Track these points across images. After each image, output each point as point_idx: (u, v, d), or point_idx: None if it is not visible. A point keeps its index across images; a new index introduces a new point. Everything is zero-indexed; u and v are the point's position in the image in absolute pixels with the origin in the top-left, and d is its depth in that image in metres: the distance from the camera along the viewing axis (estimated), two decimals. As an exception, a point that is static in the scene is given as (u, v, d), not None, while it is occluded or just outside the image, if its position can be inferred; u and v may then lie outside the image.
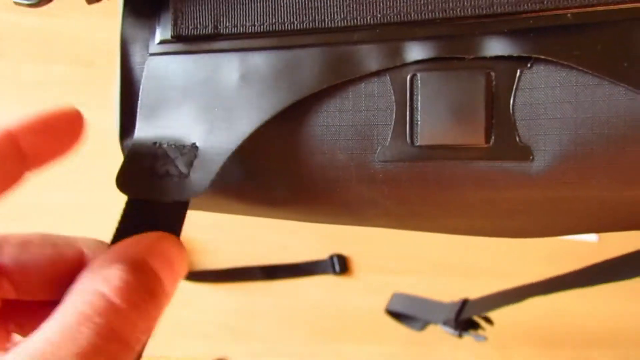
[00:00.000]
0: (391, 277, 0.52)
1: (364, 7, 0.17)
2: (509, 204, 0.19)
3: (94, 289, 0.13)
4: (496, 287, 0.53)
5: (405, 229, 0.22)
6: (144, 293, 0.14)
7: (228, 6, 0.18)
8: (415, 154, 0.18)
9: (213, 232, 0.51)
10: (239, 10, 0.18)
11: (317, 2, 0.18)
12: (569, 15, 0.16)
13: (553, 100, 0.17)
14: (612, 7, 0.16)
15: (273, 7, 0.18)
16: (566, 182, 0.17)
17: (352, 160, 0.18)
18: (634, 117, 0.16)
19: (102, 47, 0.56)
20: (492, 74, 0.17)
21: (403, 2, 0.17)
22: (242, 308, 0.48)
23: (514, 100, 0.17)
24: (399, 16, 0.17)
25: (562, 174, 0.17)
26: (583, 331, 0.52)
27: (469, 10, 0.17)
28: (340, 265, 0.51)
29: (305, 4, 0.18)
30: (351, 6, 0.17)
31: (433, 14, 0.17)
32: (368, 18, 0.17)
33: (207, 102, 0.19)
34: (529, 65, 0.17)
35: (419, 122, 0.18)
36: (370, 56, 0.18)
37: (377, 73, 0.18)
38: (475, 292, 0.52)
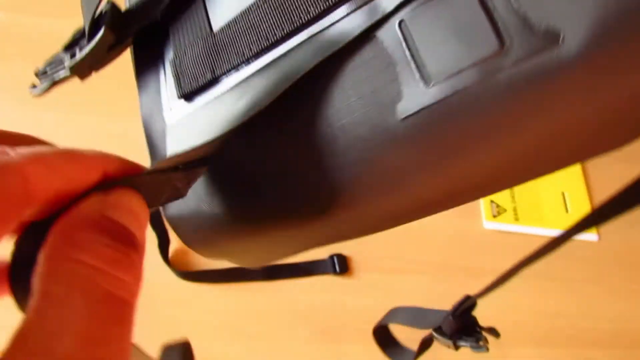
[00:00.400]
0: (391, 277, 0.52)
1: None
2: (557, 113, 0.16)
3: (74, 259, 0.13)
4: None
5: (464, 197, 0.20)
6: (122, 249, 0.14)
7: (217, 51, 0.20)
8: (435, 94, 0.16)
9: (213, 232, 0.51)
10: (227, 50, 0.20)
11: (290, 4, 0.18)
12: None
13: None
14: None
15: (255, 32, 0.19)
16: (613, 57, 0.14)
17: (374, 131, 0.17)
18: None
19: (102, 47, 0.56)
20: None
21: None
22: (242, 308, 0.48)
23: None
24: None
25: (604, 47, 0.14)
26: (583, 331, 0.52)
27: None
28: (340, 265, 0.51)
29: (280, 12, 0.18)
30: None
31: None
32: None
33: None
34: None
35: (424, 62, 0.16)
36: (352, 23, 0.17)
37: (368, 39, 0.17)
38: (476, 291, 0.52)
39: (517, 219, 0.56)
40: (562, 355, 0.50)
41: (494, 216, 0.56)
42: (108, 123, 0.52)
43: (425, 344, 0.35)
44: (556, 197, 0.58)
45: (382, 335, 0.39)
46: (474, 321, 0.35)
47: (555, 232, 0.56)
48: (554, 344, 0.51)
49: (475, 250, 0.54)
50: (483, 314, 0.51)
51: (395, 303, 0.51)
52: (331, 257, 0.52)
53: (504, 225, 0.56)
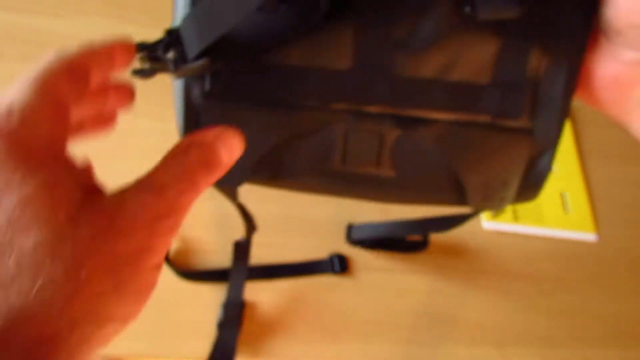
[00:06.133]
0: (391, 277, 0.52)
1: (330, 94, 0.29)
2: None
3: (183, 158, 0.22)
4: (497, 287, 0.53)
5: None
6: (209, 162, 0.22)
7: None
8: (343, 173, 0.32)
9: (213, 232, 0.51)
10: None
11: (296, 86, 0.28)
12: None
13: (413, 150, 0.30)
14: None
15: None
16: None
17: (315, 168, 0.32)
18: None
19: (101, 47, 0.56)
20: (382, 133, 0.30)
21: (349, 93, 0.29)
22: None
23: (394, 148, 0.30)
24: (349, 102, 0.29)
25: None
26: (583, 331, 0.52)
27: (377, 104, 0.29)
28: (340, 265, 0.51)
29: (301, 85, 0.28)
30: (317, 92, 0.29)
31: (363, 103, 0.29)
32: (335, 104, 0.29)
33: None
34: (401, 135, 0.30)
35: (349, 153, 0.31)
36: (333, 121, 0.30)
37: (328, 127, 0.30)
38: (476, 291, 0.52)
39: (516, 219, 0.56)
40: (562, 355, 0.50)
41: (493, 216, 0.56)
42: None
43: None
44: (555, 197, 0.58)
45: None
46: None
47: (554, 232, 0.57)
48: (554, 344, 0.51)
49: (475, 250, 0.54)
50: (483, 314, 0.51)
51: (395, 303, 0.51)
52: (331, 257, 0.52)
53: (503, 225, 0.56)
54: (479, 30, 0.28)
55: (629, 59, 0.28)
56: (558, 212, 0.57)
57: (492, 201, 0.34)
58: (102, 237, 0.19)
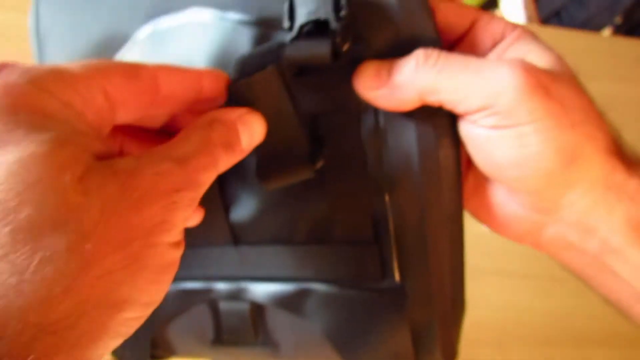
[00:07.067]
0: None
1: (199, 271, 0.29)
2: None
3: (207, 133, 0.20)
4: (498, 287, 0.53)
5: None
6: (231, 143, 0.21)
7: None
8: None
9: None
10: None
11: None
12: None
13: (285, 320, 0.29)
14: None
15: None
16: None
17: (200, 343, 0.31)
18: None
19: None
20: (250, 306, 0.29)
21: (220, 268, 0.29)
22: (242, 308, 0.48)
23: (264, 318, 0.29)
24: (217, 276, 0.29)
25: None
26: (583, 331, 0.52)
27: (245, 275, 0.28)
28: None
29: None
30: (194, 271, 0.29)
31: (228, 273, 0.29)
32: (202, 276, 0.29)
33: None
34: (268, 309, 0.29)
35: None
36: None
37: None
38: (477, 291, 0.52)
39: (517, 219, 0.56)
40: (562, 355, 0.50)
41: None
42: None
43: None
44: (556, 197, 0.58)
45: None
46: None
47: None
48: (554, 344, 0.51)
49: (475, 250, 0.54)
50: (483, 313, 0.51)
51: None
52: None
53: (503, 225, 0.56)
54: (304, 189, 0.25)
55: (524, 205, 0.25)
56: (558, 212, 0.57)
57: None
58: (113, 207, 0.16)
